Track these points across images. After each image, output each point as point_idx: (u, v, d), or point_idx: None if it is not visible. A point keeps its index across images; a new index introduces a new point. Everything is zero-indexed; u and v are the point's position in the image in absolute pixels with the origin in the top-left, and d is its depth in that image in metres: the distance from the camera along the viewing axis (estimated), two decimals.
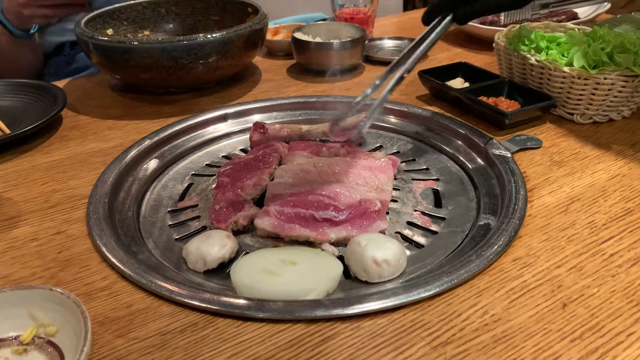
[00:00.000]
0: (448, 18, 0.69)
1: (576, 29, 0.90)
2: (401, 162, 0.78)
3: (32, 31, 1.17)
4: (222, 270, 0.58)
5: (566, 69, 0.79)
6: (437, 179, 0.74)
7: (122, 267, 0.55)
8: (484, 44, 1.18)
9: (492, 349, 0.45)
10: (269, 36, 1.16)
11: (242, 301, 0.50)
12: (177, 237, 0.64)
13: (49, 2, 1.03)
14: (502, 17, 1.21)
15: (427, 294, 0.50)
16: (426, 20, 0.71)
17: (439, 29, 0.70)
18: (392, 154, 0.80)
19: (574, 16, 1.25)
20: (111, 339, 0.47)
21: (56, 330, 0.46)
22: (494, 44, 0.94)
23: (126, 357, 0.46)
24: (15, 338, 0.46)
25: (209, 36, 0.89)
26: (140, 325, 0.49)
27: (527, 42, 0.87)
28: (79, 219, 0.64)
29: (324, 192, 0.66)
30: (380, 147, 0.83)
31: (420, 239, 0.63)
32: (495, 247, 0.56)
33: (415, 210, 0.68)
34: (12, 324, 0.47)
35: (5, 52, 1.19)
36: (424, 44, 0.70)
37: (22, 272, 0.56)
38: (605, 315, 0.49)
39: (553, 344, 0.46)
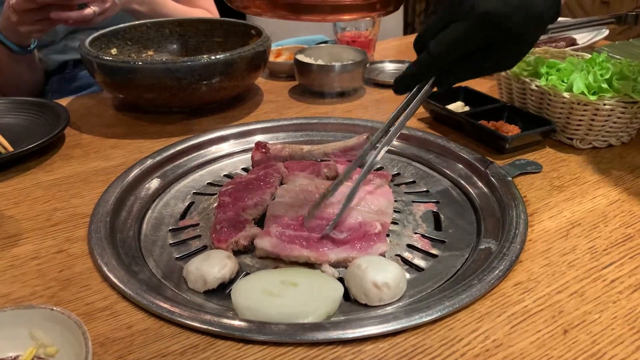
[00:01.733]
0: (430, 83, 0.61)
1: (575, 56, 0.92)
2: (401, 184, 0.79)
3: (31, 47, 1.17)
4: (222, 290, 0.58)
5: (566, 94, 0.80)
6: (437, 202, 0.74)
7: (122, 287, 0.55)
8: None
9: None
10: (271, 58, 1.17)
11: (243, 323, 0.50)
12: (177, 256, 0.64)
13: (39, 17, 1.02)
14: None
15: (428, 318, 0.50)
16: (402, 89, 0.62)
17: (420, 95, 0.62)
18: (393, 175, 0.81)
19: (573, 42, 1.27)
20: None
21: (56, 350, 0.46)
22: None
23: None
24: (15, 358, 0.46)
25: (212, 57, 0.90)
26: (141, 347, 0.48)
27: (527, 68, 0.88)
28: (81, 238, 0.64)
29: (324, 214, 0.66)
30: (382, 168, 0.83)
31: (420, 262, 0.63)
32: (497, 271, 0.56)
33: (416, 233, 0.68)
34: (11, 344, 0.46)
35: (4, 69, 1.20)
36: (403, 115, 0.63)
37: (23, 291, 0.56)
38: (606, 342, 0.48)
39: None
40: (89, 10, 1.01)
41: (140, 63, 0.88)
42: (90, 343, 0.43)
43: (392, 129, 0.64)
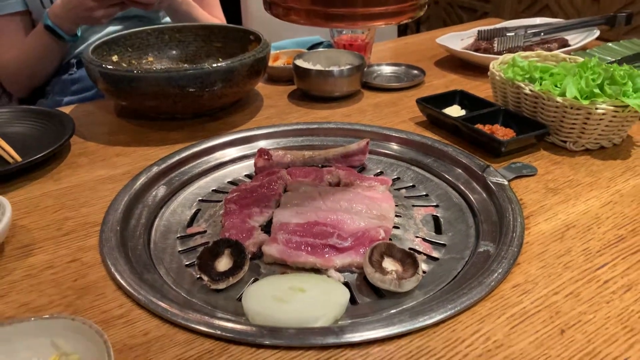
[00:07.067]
0: None
1: (567, 59, 0.94)
2: (401, 189, 0.81)
3: (78, 34, 1.22)
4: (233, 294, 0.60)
5: (559, 99, 0.82)
6: (436, 205, 0.77)
7: (137, 296, 0.57)
8: (479, 70, 1.21)
9: None
10: (269, 62, 1.19)
11: (255, 329, 0.52)
12: (187, 263, 0.66)
13: (117, 1, 1.12)
14: (496, 45, 1.25)
15: (431, 320, 0.53)
16: None
17: None
18: (393, 179, 0.83)
19: (565, 43, 1.29)
20: None
21: (78, 358, 0.48)
22: (489, 73, 0.97)
23: None
24: None
25: (214, 65, 0.92)
26: (158, 353, 0.51)
27: (521, 73, 0.90)
28: (92, 247, 0.66)
29: (328, 220, 0.68)
30: (381, 172, 0.86)
31: (422, 265, 0.65)
32: (496, 274, 0.59)
33: (417, 237, 0.70)
34: (34, 352, 0.48)
35: (44, 55, 1.25)
36: None
37: (41, 300, 0.58)
38: (601, 341, 0.51)
39: None
40: None
41: (143, 72, 0.90)
42: (112, 352, 0.45)
43: None
